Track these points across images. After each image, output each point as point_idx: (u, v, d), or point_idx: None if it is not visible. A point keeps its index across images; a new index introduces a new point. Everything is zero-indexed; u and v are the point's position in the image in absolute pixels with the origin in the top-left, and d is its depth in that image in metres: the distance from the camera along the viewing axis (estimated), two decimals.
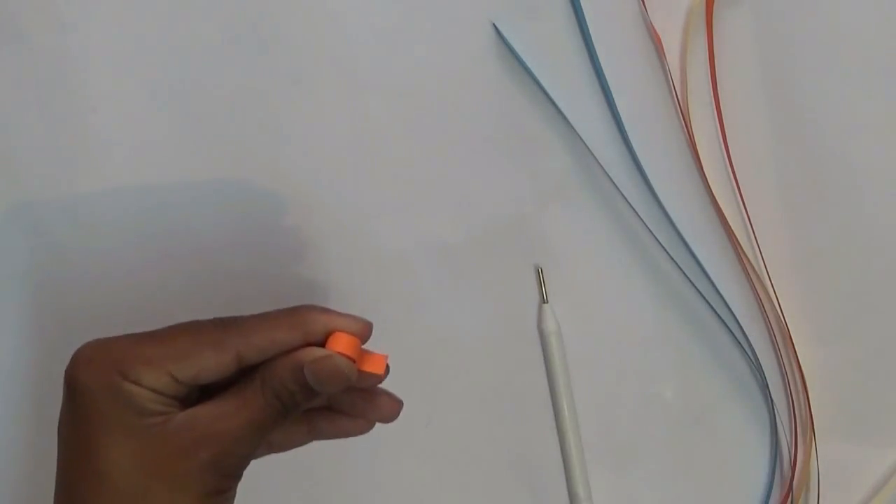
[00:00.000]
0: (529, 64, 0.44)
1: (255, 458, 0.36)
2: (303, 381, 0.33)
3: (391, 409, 0.36)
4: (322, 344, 0.33)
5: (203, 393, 0.33)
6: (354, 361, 0.33)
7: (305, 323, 0.33)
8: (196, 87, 0.43)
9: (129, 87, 0.43)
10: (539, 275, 0.46)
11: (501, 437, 0.46)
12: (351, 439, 0.43)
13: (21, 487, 0.44)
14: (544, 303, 0.46)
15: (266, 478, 0.46)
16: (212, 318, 0.34)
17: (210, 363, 0.32)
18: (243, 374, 0.33)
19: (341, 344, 0.33)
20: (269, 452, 0.37)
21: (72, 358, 0.32)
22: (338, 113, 0.44)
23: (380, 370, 0.35)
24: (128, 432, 0.31)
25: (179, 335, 0.33)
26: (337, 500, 0.46)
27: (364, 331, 0.34)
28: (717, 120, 0.45)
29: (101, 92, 0.42)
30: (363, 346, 0.35)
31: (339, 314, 0.34)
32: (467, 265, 0.45)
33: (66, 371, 0.32)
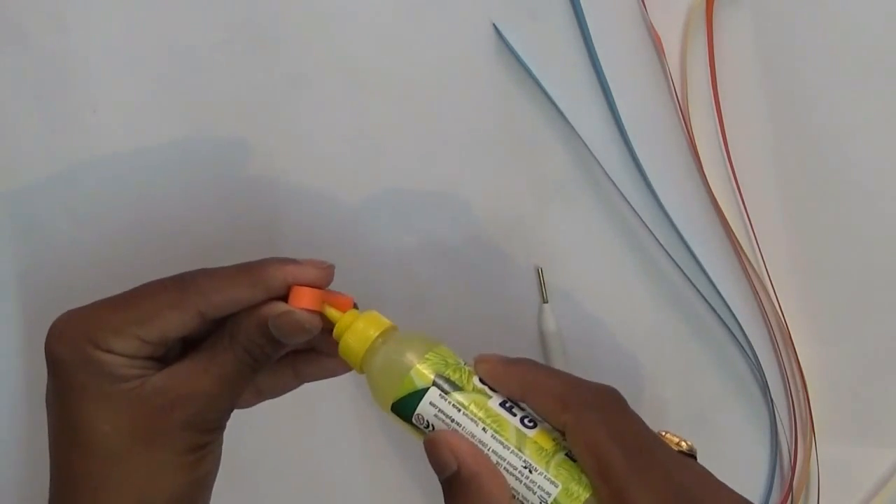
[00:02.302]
0: (529, 64, 0.44)
1: (247, 406, 0.37)
2: (269, 335, 0.33)
3: None
4: (285, 297, 0.34)
5: (186, 347, 0.34)
6: (317, 311, 0.34)
7: (265, 279, 0.33)
8: (196, 87, 0.43)
9: (129, 87, 0.43)
10: (539, 275, 0.46)
11: None
12: (350, 439, 0.43)
13: (22, 476, 0.44)
14: (544, 303, 0.46)
15: (267, 477, 0.46)
16: (174, 275, 0.34)
17: (174, 323, 0.33)
18: (218, 326, 0.34)
19: (303, 297, 0.34)
20: (260, 400, 0.37)
21: (48, 332, 0.33)
22: (338, 113, 0.44)
23: (345, 309, 0.35)
24: (106, 399, 0.32)
25: (142, 298, 0.33)
26: (337, 500, 0.46)
27: (323, 278, 0.34)
28: (717, 120, 0.45)
29: (101, 92, 0.43)
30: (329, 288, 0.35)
31: (297, 264, 0.34)
32: (467, 265, 0.45)
33: (45, 346, 0.33)
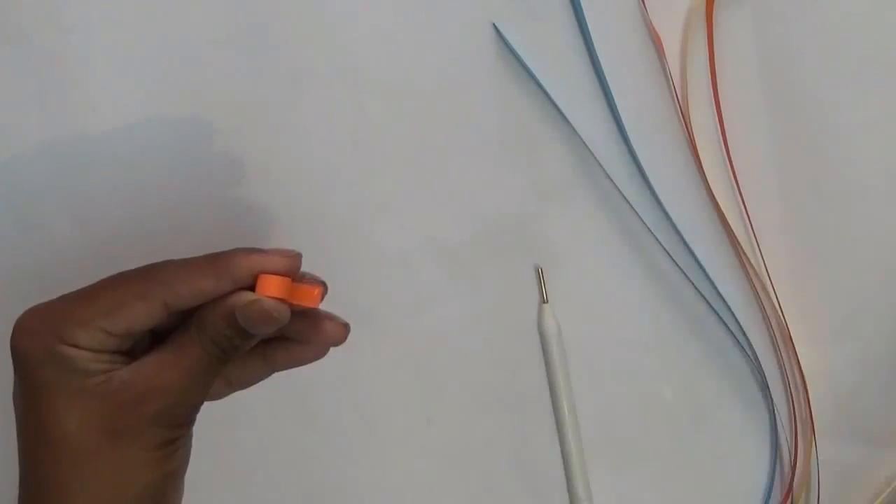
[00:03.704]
0: (529, 64, 0.44)
1: (217, 398, 0.37)
2: (237, 326, 0.33)
3: (336, 332, 0.36)
4: (252, 287, 0.33)
5: (154, 342, 0.34)
6: (284, 300, 0.33)
7: (231, 269, 0.33)
8: (196, 87, 0.43)
9: (129, 87, 0.43)
10: (539, 275, 0.46)
11: (501, 436, 0.46)
12: (351, 439, 0.43)
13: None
14: (544, 303, 0.46)
15: (266, 476, 0.46)
16: (141, 266, 0.34)
17: (139, 315, 0.32)
18: (185, 318, 0.34)
19: (270, 286, 0.33)
20: (231, 391, 0.37)
21: (13, 328, 0.32)
22: (338, 113, 0.44)
23: (313, 303, 0.34)
24: (72, 395, 0.31)
25: (106, 291, 0.33)
26: (337, 500, 0.46)
27: (290, 267, 0.34)
28: (717, 120, 0.45)
29: (101, 92, 0.42)
30: (300, 275, 0.35)
31: (264, 253, 0.34)
32: (467, 265, 0.45)
33: (10, 342, 0.32)
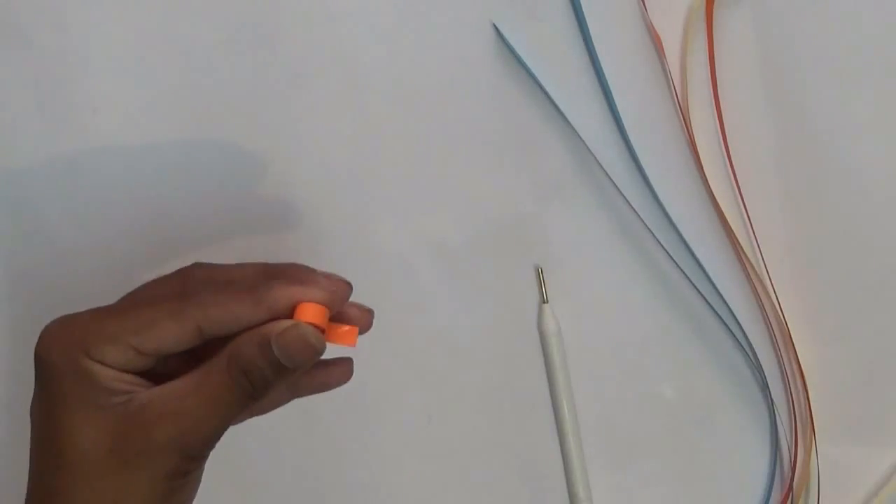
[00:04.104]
0: (529, 64, 0.44)
1: (239, 422, 0.35)
2: (271, 357, 0.31)
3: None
4: (290, 317, 0.32)
5: (182, 369, 0.32)
6: (323, 331, 0.32)
7: (269, 299, 0.32)
8: (196, 87, 0.43)
9: (129, 87, 0.43)
10: (539, 275, 0.46)
11: (501, 436, 0.46)
12: (351, 439, 0.43)
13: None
14: (544, 303, 0.46)
15: (266, 476, 0.46)
16: (174, 274, 0.33)
17: (170, 334, 0.31)
18: (214, 350, 0.32)
19: (308, 314, 0.32)
20: (249, 416, 0.36)
21: (39, 337, 0.32)
22: (338, 113, 0.44)
23: (350, 342, 0.33)
24: (91, 412, 0.30)
25: (139, 307, 0.32)
26: (337, 500, 0.46)
27: (331, 299, 0.33)
28: (717, 120, 0.45)
29: (101, 92, 0.42)
30: (342, 309, 0.34)
31: (307, 284, 0.32)
32: (467, 265, 0.45)
33: (35, 351, 0.31)
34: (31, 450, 0.32)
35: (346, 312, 0.35)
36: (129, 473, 0.30)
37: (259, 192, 0.44)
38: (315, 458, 0.46)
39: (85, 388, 0.31)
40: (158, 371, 0.32)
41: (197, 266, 0.34)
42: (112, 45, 0.42)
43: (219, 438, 0.32)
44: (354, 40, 0.44)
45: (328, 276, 0.34)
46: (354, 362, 0.37)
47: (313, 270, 0.34)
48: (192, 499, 0.33)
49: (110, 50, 0.42)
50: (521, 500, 0.47)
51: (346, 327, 0.34)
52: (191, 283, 0.33)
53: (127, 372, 0.31)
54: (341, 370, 0.36)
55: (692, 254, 0.46)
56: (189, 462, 0.31)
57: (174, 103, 0.43)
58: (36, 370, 0.31)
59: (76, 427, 0.30)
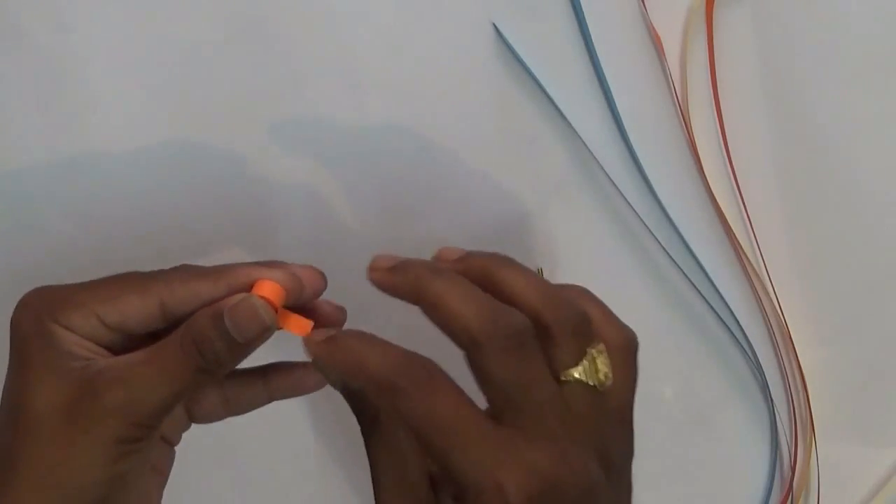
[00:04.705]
0: (529, 64, 0.44)
1: (213, 420, 0.36)
2: (222, 329, 0.31)
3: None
4: None
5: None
6: (276, 309, 0.32)
7: (231, 276, 0.33)
8: (196, 87, 0.43)
9: (129, 87, 0.43)
10: (539, 275, 0.46)
11: None
12: (350, 438, 0.42)
13: None
14: None
15: (266, 476, 0.46)
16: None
17: (134, 307, 0.32)
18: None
19: (263, 290, 0.32)
20: (227, 414, 0.36)
21: (15, 306, 0.33)
22: (337, 112, 0.44)
23: (301, 333, 0.33)
24: (49, 374, 0.31)
25: (109, 281, 0.33)
26: (337, 499, 0.46)
27: (290, 282, 0.33)
28: (717, 120, 0.45)
29: (101, 92, 0.42)
30: (314, 304, 0.34)
31: (269, 268, 0.33)
32: None
33: (11, 317, 0.32)
34: None
35: (318, 308, 0.35)
36: (77, 435, 0.31)
37: (259, 192, 0.44)
38: (315, 457, 0.46)
39: (47, 350, 0.31)
40: (126, 350, 0.33)
41: (181, 265, 0.34)
42: (112, 45, 0.42)
43: (169, 410, 0.32)
44: (354, 40, 0.44)
45: (300, 266, 0.34)
46: None
47: (288, 263, 0.34)
48: (147, 470, 0.34)
49: (110, 50, 0.42)
50: None
51: (303, 319, 0.33)
52: (165, 270, 0.33)
53: (90, 341, 0.32)
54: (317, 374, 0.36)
55: (692, 254, 0.46)
56: (137, 429, 0.32)
57: (174, 103, 0.43)
58: (10, 336, 0.32)
59: (33, 387, 0.31)
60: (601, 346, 0.32)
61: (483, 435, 0.29)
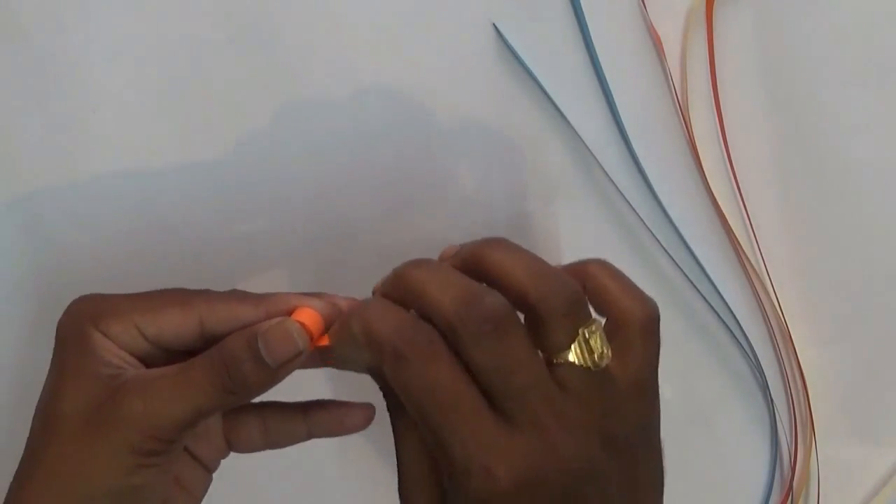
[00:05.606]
0: (529, 64, 0.44)
1: (250, 450, 0.36)
2: (255, 352, 0.31)
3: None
4: None
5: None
6: (312, 336, 0.32)
7: (272, 302, 0.33)
8: (196, 86, 0.43)
9: (129, 87, 0.43)
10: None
11: None
12: (351, 438, 0.42)
13: None
14: None
15: (266, 476, 0.46)
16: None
17: (174, 322, 0.32)
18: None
19: (301, 316, 0.33)
20: (265, 446, 0.36)
21: (65, 309, 0.33)
22: (337, 113, 0.44)
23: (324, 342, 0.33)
24: (80, 378, 0.32)
25: (153, 295, 0.33)
26: (337, 499, 0.46)
27: (330, 311, 0.33)
28: (717, 120, 0.45)
29: (101, 92, 0.42)
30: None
31: (308, 297, 0.33)
32: None
33: (58, 321, 0.33)
34: (32, 419, 0.33)
35: None
36: (95, 439, 0.31)
37: (259, 192, 0.44)
38: (315, 457, 0.46)
39: (82, 355, 0.32)
40: (161, 365, 0.33)
41: (230, 290, 0.35)
42: (112, 45, 0.42)
43: (189, 426, 0.32)
44: (354, 40, 0.44)
45: (343, 298, 0.34)
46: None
47: (332, 294, 0.35)
48: (161, 486, 0.33)
49: (110, 50, 0.42)
50: None
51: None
52: (209, 290, 0.34)
53: (126, 352, 0.32)
54: (360, 413, 0.36)
55: (692, 254, 0.46)
56: (155, 442, 0.31)
57: (174, 103, 0.43)
58: (55, 338, 0.33)
59: (63, 390, 0.32)
60: (595, 326, 0.30)
61: (476, 416, 0.29)
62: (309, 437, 0.36)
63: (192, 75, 0.43)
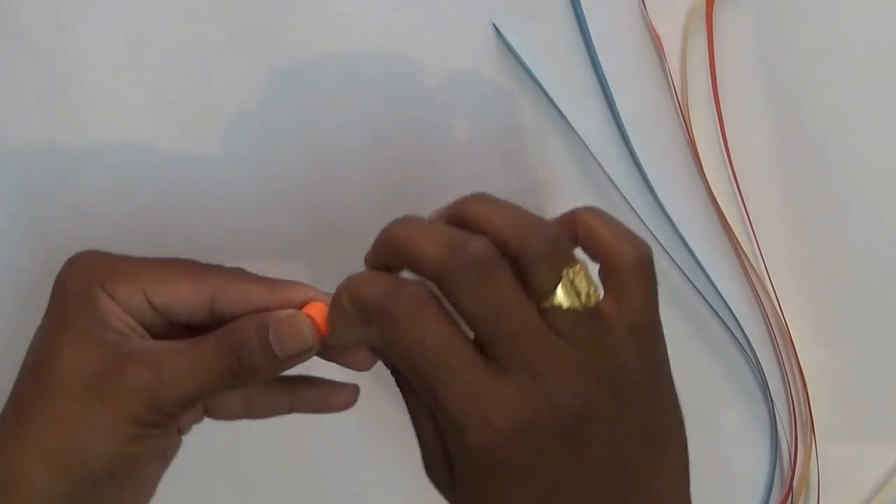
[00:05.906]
0: (529, 64, 0.44)
1: (230, 418, 0.35)
2: (265, 341, 0.31)
3: (363, 362, 0.35)
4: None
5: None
6: (322, 332, 0.32)
7: (287, 290, 0.32)
8: (196, 86, 0.43)
9: (128, 87, 0.43)
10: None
11: None
12: (351, 438, 0.43)
13: None
14: None
15: (266, 476, 0.46)
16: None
17: (184, 292, 0.32)
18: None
19: (313, 310, 0.32)
20: (246, 415, 0.36)
21: (67, 260, 0.32)
22: (337, 113, 0.44)
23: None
24: (82, 339, 0.31)
25: (166, 262, 0.33)
26: (337, 499, 0.46)
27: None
28: (717, 120, 0.45)
29: (101, 92, 0.42)
30: None
31: (324, 293, 0.33)
32: None
33: (59, 273, 0.32)
34: (21, 368, 0.32)
35: None
36: (97, 406, 0.30)
37: (258, 192, 0.44)
38: (315, 457, 0.46)
39: (86, 314, 0.31)
40: (161, 337, 0.33)
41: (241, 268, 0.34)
42: (112, 45, 0.42)
43: (191, 403, 0.32)
44: (354, 40, 0.44)
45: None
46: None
47: None
48: (157, 458, 0.33)
49: (110, 50, 0.42)
50: None
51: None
52: (224, 266, 0.33)
53: (131, 317, 0.32)
54: (346, 394, 0.36)
55: (692, 254, 0.46)
56: (157, 414, 0.31)
57: (174, 103, 0.43)
58: (52, 293, 0.32)
59: (63, 349, 0.31)
60: (578, 266, 0.30)
61: (467, 366, 0.28)
62: (291, 411, 0.36)
63: (191, 75, 0.43)
